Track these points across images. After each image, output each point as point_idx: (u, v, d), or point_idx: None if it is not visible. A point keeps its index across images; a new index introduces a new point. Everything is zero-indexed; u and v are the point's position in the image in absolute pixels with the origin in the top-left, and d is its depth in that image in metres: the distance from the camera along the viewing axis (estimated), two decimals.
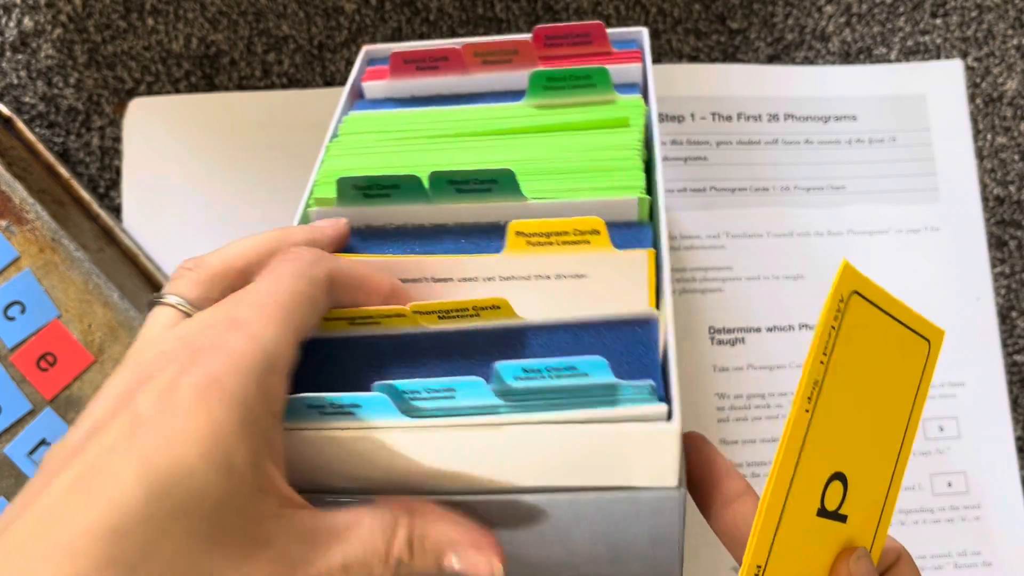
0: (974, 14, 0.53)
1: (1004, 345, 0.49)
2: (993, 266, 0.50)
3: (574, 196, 0.30)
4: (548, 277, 0.28)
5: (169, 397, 0.21)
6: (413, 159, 0.33)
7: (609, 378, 0.24)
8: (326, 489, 0.25)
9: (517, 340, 0.27)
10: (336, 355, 0.27)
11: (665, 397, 0.25)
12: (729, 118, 0.50)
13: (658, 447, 0.24)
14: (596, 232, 0.27)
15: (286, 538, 0.22)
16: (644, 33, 0.39)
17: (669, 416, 0.24)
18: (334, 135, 0.36)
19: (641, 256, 0.27)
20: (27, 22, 0.51)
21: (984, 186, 0.51)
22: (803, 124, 0.51)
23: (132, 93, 0.51)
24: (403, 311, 0.26)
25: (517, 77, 0.37)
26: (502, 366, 0.24)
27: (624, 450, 0.24)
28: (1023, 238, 0.51)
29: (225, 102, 0.50)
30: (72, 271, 0.45)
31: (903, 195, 0.50)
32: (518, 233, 0.27)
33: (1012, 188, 0.51)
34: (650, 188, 0.31)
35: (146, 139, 0.50)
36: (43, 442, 0.43)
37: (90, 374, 0.44)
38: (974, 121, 0.52)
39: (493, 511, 0.25)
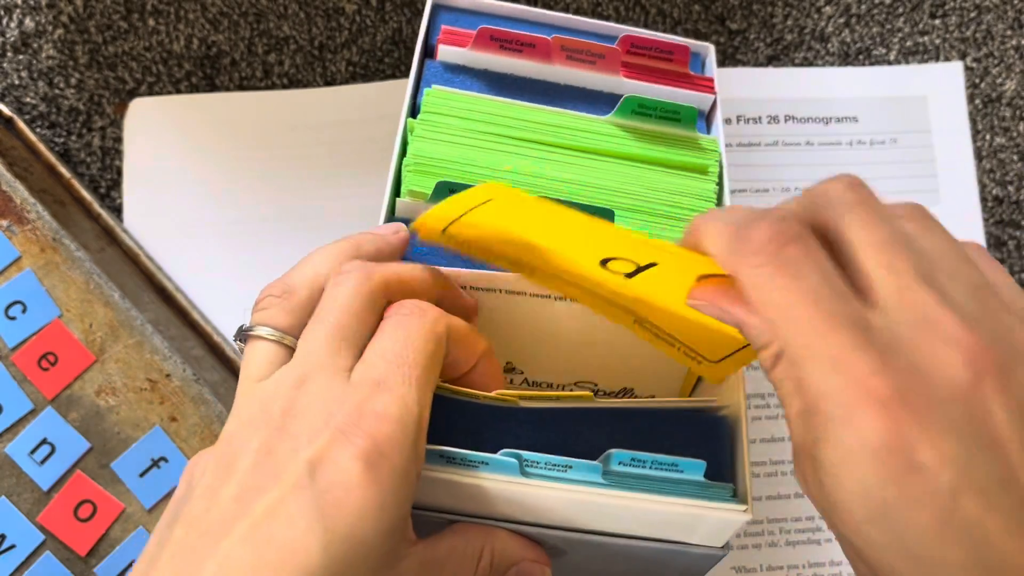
0: (973, 15, 0.53)
1: None
2: None
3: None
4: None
5: (336, 467, 0.23)
6: (498, 160, 0.34)
7: (700, 478, 0.27)
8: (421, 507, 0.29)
9: (598, 420, 0.30)
10: (432, 414, 0.29)
11: (736, 490, 0.29)
12: (729, 120, 0.50)
13: (727, 529, 0.28)
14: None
15: (412, 573, 0.25)
16: (711, 51, 0.40)
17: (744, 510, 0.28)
18: (414, 110, 0.36)
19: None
20: (28, 23, 0.51)
21: (983, 186, 0.51)
22: (803, 126, 0.51)
23: (133, 94, 0.51)
24: (506, 397, 0.29)
25: (598, 79, 0.37)
26: (616, 453, 0.27)
27: (697, 525, 0.28)
28: (1022, 238, 0.51)
29: (225, 102, 0.50)
30: (73, 271, 0.45)
31: (904, 196, 0.50)
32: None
33: (1011, 188, 0.51)
34: None
35: (147, 139, 0.50)
36: (44, 441, 0.43)
37: (91, 374, 0.44)
38: (973, 122, 0.52)
39: (564, 542, 0.30)
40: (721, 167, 0.36)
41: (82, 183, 0.49)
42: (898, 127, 0.51)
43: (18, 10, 0.51)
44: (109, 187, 0.50)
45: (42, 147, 0.48)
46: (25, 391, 0.44)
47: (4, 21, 0.51)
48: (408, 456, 0.24)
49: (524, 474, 0.27)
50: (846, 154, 0.51)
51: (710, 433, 0.30)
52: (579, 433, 0.29)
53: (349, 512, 0.22)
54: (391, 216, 0.34)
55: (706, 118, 0.38)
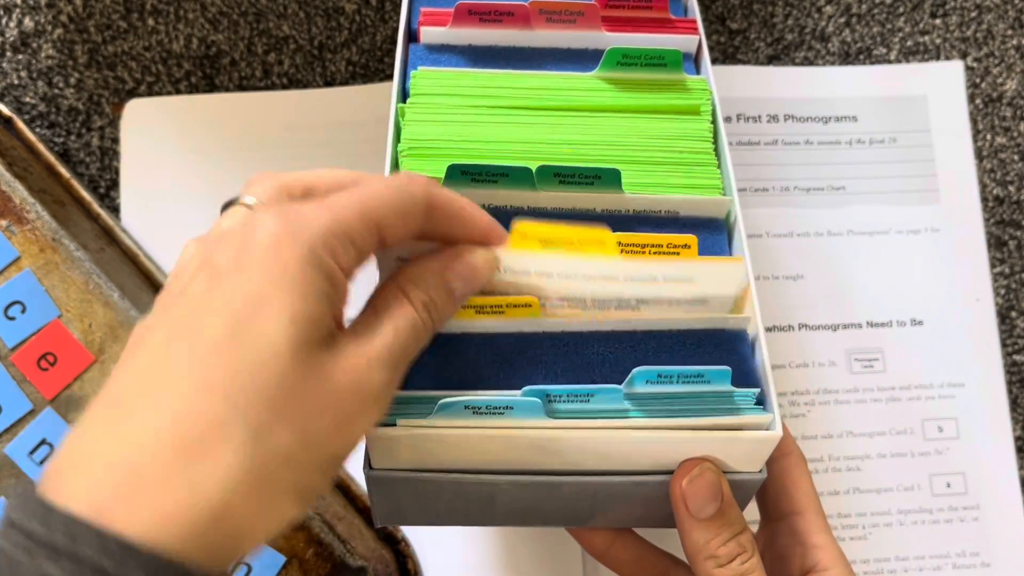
0: (973, 14, 0.53)
1: (1003, 345, 0.49)
2: (993, 266, 0.50)
3: (663, 191, 0.33)
4: (647, 281, 0.30)
5: (249, 248, 0.22)
6: (492, 131, 0.34)
7: (728, 386, 0.28)
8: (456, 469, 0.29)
9: (631, 343, 0.30)
10: (463, 352, 0.30)
11: (764, 402, 0.29)
12: (729, 119, 0.50)
13: (760, 450, 0.28)
14: (687, 247, 0.30)
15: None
16: None
17: (771, 424, 0.28)
18: (404, 94, 0.36)
19: (736, 267, 0.29)
20: (27, 22, 0.51)
21: (984, 186, 0.51)
22: (803, 125, 0.51)
23: (132, 93, 0.51)
24: (531, 301, 0.29)
25: (580, 37, 0.37)
26: (640, 371, 0.27)
27: (731, 449, 0.28)
28: (1022, 238, 0.51)
29: (224, 103, 0.50)
30: (73, 271, 0.45)
31: (903, 196, 0.50)
32: (618, 243, 0.29)
33: (1012, 188, 0.51)
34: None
35: (144, 139, 0.50)
36: (43, 442, 0.43)
37: (91, 374, 0.44)
38: (973, 121, 0.52)
39: (597, 486, 0.29)
40: (714, 106, 0.36)
41: (81, 183, 0.49)
42: (898, 126, 0.51)
43: (17, 10, 0.51)
44: (108, 187, 0.50)
45: (41, 147, 0.48)
46: (24, 391, 0.44)
47: (4, 21, 0.51)
48: (323, 245, 0.23)
49: (550, 414, 0.27)
50: (845, 153, 0.50)
51: (729, 346, 0.30)
52: (603, 356, 0.29)
53: (247, 287, 0.22)
54: None
55: (694, 60, 0.38)
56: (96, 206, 0.48)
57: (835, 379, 0.48)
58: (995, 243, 0.50)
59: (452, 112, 0.35)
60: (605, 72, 0.35)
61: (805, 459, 0.32)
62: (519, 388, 0.28)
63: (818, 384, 0.48)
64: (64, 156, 0.50)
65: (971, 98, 0.52)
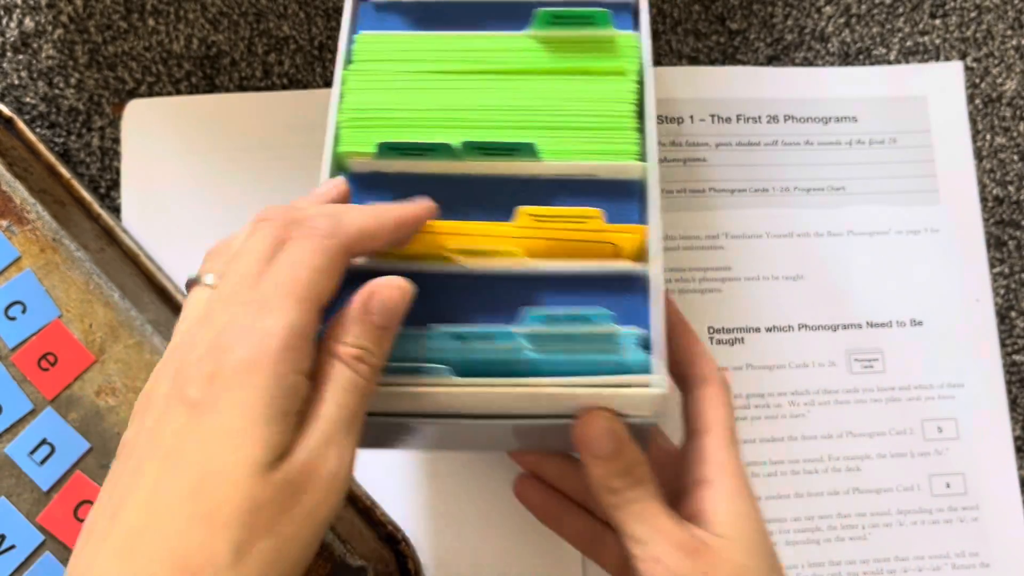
0: (973, 15, 0.53)
1: (1003, 345, 0.49)
2: (992, 266, 0.50)
3: (582, 158, 0.35)
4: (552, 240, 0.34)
5: (217, 379, 0.26)
6: (426, 99, 0.36)
7: (610, 326, 0.31)
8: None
9: (531, 284, 0.33)
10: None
11: (648, 339, 0.32)
12: (728, 119, 0.50)
13: (646, 403, 0.31)
14: (595, 218, 0.33)
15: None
16: None
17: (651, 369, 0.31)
18: (348, 58, 0.38)
19: (634, 233, 0.33)
20: (28, 22, 0.51)
21: (983, 186, 0.51)
22: (803, 125, 0.51)
23: (133, 94, 0.51)
24: (443, 254, 0.33)
25: None
26: (530, 313, 0.31)
27: (620, 401, 0.31)
28: (1022, 238, 0.51)
29: (224, 103, 0.50)
30: (73, 271, 0.45)
31: (903, 196, 0.50)
32: (529, 214, 0.33)
33: (1011, 188, 0.51)
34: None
35: (144, 140, 0.50)
36: (44, 442, 0.43)
37: (91, 374, 0.44)
38: (973, 122, 0.52)
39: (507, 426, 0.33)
40: (642, 65, 0.37)
41: (82, 183, 0.49)
42: (898, 127, 0.51)
43: (18, 10, 0.51)
44: (109, 187, 0.50)
45: (42, 147, 0.48)
46: (25, 391, 0.44)
47: (4, 21, 0.51)
48: (284, 361, 0.26)
49: (462, 354, 0.31)
50: (845, 154, 0.51)
51: (629, 289, 0.33)
52: (515, 295, 0.33)
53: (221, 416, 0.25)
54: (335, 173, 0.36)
55: (633, 12, 0.39)
56: (96, 206, 0.48)
57: (835, 379, 0.48)
58: (995, 243, 0.50)
59: (390, 79, 0.37)
60: (538, 31, 0.37)
61: (726, 385, 0.36)
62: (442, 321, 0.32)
63: (818, 384, 0.48)
64: (64, 156, 0.50)
65: (971, 98, 0.52)
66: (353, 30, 0.39)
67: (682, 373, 0.36)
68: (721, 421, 0.35)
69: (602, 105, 0.36)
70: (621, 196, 0.35)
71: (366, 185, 0.35)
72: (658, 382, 0.31)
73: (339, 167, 0.36)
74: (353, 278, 0.30)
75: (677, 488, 0.34)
